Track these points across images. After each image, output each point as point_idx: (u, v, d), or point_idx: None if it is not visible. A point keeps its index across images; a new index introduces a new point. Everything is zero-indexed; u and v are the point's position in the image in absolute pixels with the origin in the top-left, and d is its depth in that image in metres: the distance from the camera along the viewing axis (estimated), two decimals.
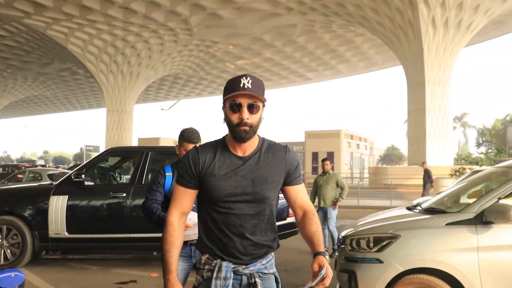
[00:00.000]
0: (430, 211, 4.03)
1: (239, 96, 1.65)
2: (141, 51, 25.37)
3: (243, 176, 1.75)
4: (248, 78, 1.66)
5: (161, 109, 41.12)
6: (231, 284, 1.79)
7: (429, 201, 4.58)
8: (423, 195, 11.42)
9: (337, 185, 7.10)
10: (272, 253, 1.89)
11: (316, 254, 1.75)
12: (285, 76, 32.16)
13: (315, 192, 7.31)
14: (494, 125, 47.77)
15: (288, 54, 26.95)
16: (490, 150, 35.73)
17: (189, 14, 22.10)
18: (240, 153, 1.76)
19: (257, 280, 1.81)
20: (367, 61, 28.38)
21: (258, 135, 1.80)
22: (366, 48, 25.82)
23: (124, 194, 5.42)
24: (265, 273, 1.86)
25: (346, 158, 24.02)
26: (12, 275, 1.71)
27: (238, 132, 1.68)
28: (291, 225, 6.08)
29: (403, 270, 3.54)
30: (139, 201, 5.46)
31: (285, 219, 6.23)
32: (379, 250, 3.67)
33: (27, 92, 35.72)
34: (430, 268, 3.54)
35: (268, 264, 1.86)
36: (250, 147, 1.77)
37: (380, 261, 3.62)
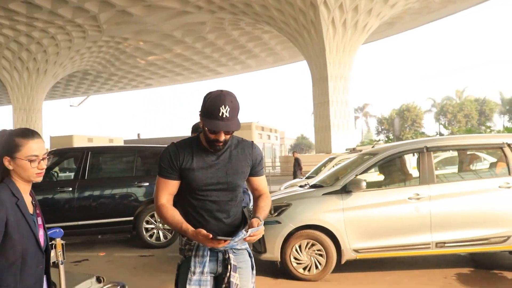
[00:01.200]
0: (314, 186, 5.62)
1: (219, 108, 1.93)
2: (47, 47, 24.93)
3: (218, 168, 2.09)
4: (227, 107, 1.93)
5: (70, 106, 40.02)
6: (207, 260, 2.07)
7: (314, 179, 6.22)
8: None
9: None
10: (243, 232, 2.04)
11: (255, 217, 2.11)
12: (196, 71, 33.20)
13: None
14: (391, 115, 53.14)
15: (198, 50, 28.03)
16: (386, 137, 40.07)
17: (98, 11, 22.27)
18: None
19: (231, 255, 2.09)
20: (275, 56, 30.37)
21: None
22: (274, 44, 27.72)
23: (71, 188, 6.46)
24: (238, 249, 2.15)
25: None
26: (57, 230, 2.73)
27: (214, 146, 2.04)
28: None
29: (294, 227, 5.09)
30: (85, 193, 6.53)
31: None
32: (278, 215, 5.18)
33: None
34: (312, 224, 5.11)
35: (239, 240, 2.04)
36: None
37: (279, 222, 5.13)
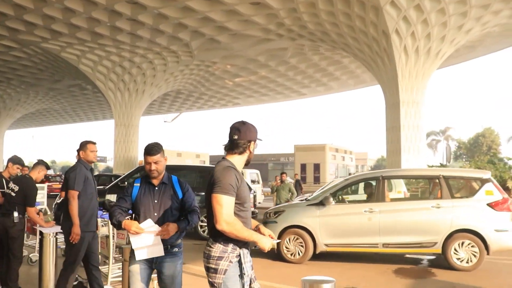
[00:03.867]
0: (305, 200, 8.55)
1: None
2: (146, 70, 29.94)
3: (246, 186, 3.02)
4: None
5: (164, 121, 45.91)
6: (251, 264, 3.00)
7: (312, 195, 9.15)
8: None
9: (289, 191, 11.74)
10: None
11: (257, 226, 3.17)
12: (280, 92, 36.69)
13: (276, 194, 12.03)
14: (469, 140, 52.57)
15: (282, 73, 31.43)
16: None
17: (190, 39, 26.63)
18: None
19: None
20: (356, 79, 32.79)
21: None
22: (354, 67, 30.23)
23: None
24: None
25: (331, 169, 28.52)
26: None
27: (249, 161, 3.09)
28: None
29: (286, 226, 8.05)
30: None
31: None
32: (276, 217, 8.20)
33: (37, 106, 40.62)
34: (297, 224, 8.04)
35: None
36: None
37: (276, 222, 8.14)
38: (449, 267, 7.48)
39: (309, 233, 7.96)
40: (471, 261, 7.36)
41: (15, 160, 6.66)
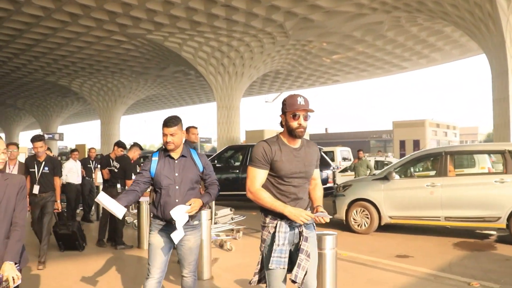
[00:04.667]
0: (371, 175, 9.22)
1: (298, 110, 3.02)
2: (243, 53, 31.46)
3: (298, 160, 3.11)
4: (302, 98, 3.04)
5: (265, 102, 47.54)
6: (288, 235, 3.08)
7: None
8: None
9: (367, 167, 12.40)
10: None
11: (317, 206, 3.24)
12: (380, 67, 36.18)
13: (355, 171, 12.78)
14: None
15: (379, 47, 31.09)
16: None
17: (283, 20, 27.50)
18: (293, 146, 3.13)
19: (304, 229, 3.13)
20: (461, 48, 31.28)
21: None
22: (457, 36, 28.96)
23: (237, 170, 11.53)
24: (307, 224, 3.17)
25: (432, 145, 27.73)
26: None
27: (296, 133, 3.06)
28: (328, 188, 11.57)
29: (353, 199, 8.84)
30: (244, 175, 11.47)
31: (325, 184, 11.83)
32: (344, 191, 9.02)
33: (147, 92, 44.44)
34: (364, 198, 8.78)
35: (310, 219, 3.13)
36: (298, 142, 3.16)
37: (344, 196, 8.96)
38: None
39: (374, 205, 8.68)
40: None
41: (120, 144, 8.50)
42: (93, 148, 12.85)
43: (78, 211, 11.96)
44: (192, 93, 48.72)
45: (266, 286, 3.18)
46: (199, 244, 3.93)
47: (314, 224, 3.28)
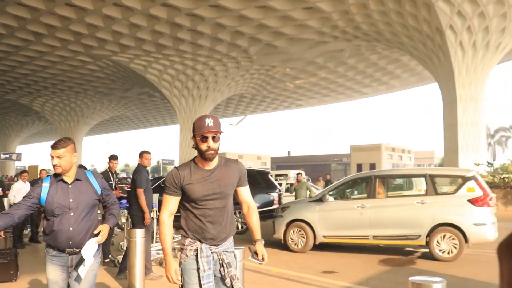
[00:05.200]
0: (309, 197, 10.00)
1: (206, 132, 2.97)
2: (208, 77, 32.31)
3: (212, 182, 3.07)
4: (210, 119, 3.00)
5: (230, 125, 48.45)
6: (211, 259, 3.07)
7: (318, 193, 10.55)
8: None
9: (307, 189, 13.18)
10: (231, 238, 3.23)
11: (256, 240, 3.19)
12: (342, 92, 37.66)
13: (295, 193, 13.50)
14: None
15: (341, 73, 32.47)
16: None
17: (248, 45, 28.51)
18: (207, 167, 3.09)
19: (223, 257, 3.09)
20: (418, 76, 32.99)
21: (218, 155, 3.11)
22: (414, 65, 30.57)
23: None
24: (228, 252, 3.17)
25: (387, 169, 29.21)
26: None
27: (206, 155, 3.01)
28: (273, 210, 12.17)
29: (290, 219, 9.57)
30: None
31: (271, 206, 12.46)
32: (282, 212, 9.75)
33: (111, 113, 44.74)
34: (300, 218, 9.52)
35: (230, 245, 3.19)
36: (214, 163, 3.11)
37: (282, 216, 9.69)
38: (433, 258, 8.59)
39: (310, 226, 9.43)
40: (452, 252, 8.44)
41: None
42: (43, 169, 13.34)
43: (26, 232, 12.30)
44: (157, 115, 49.26)
45: None
46: (96, 275, 3.74)
47: (235, 252, 3.32)
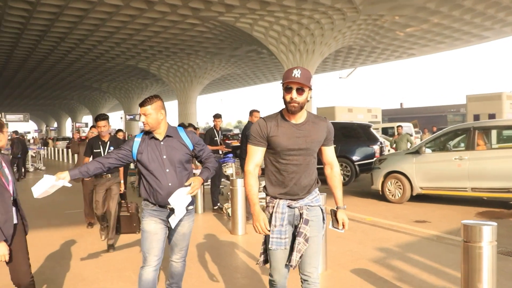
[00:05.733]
0: (404, 150, 10.20)
1: (291, 82, 2.86)
2: (314, 31, 32.28)
3: (298, 136, 2.99)
4: (298, 71, 2.87)
5: (340, 78, 47.98)
6: (286, 216, 3.03)
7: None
8: None
9: (407, 141, 13.30)
10: (317, 191, 3.15)
11: (338, 207, 3.18)
12: (458, 38, 35.36)
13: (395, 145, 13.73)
14: None
15: (457, 17, 30.54)
16: None
17: None
18: (294, 121, 3.02)
19: (304, 211, 3.04)
20: None
21: (306, 110, 3.02)
22: None
23: None
24: (311, 206, 3.10)
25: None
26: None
27: (290, 107, 2.93)
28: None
29: (388, 171, 9.92)
30: None
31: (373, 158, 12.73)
32: (379, 164, 10.12)
33: (222, 72, 46.61)
34: (397, 170, 9.83)
35: (314, 199, 3.11)
36: (302, 117, 3.03)
37: (379, 168, 10.08)
38: None
39: (407, 177, 9.69)
40: None
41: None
42: (120, 130, 14.36)
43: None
44: (266, 71, 50.28)
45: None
46: (191, 229, 3.87)
47: (322, 207, 3.22)
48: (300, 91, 2.91)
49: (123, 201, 7.69)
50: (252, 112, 8.87)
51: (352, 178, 13.59)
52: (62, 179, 3.38)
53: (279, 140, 2.98)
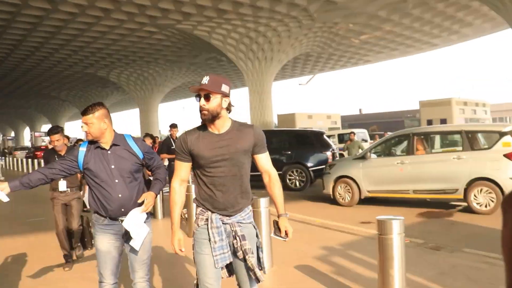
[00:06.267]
0: (354, 156, 10.95)
1: (196, 89, 2.81)
2: (271, 38, 33.04)
3: (221, 146, 2.86)
4: (207, 77, 2.81)
5: (299, 84, 49.22)
6: (223, 230, 2.91)
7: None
8: None
9: (359, 147, 14.13)
10: (250, 207, 3.04)
11: (279, 215, 3.03)
12: (410, 45, 36.93)
13: (347, 151, 14.54)
14: None
15: (407, 25, 31.92)
16: None
17: (307, 4, 28.82)
18: (216, 131, 2.91)
19: (237, 228, 2.92)
20: (492, 21, 31.63)
21: (230, 118, 2.95)
22: (486, 10, 29.44)
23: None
24: (243, 223, 2.98)
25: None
26: None
27: (201, 115, 2.83)
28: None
29: (337, 176, 10.63)
30: None
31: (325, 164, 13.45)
32: (329, 169, 10.83)
33: (182, 80, 46.93)
34: (346, 175, 10.55)
35: (246, 216, 3.00)
36: (224, 126, 2.91)
37: (329, 173, 10.78)
38: (472, 211, 9.32)
39: (355, 181, 10.44)
40: (489, 205, 9.10)
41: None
42: (80, 139, 15.07)
43: None
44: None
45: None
46: (151, 240, 3.66)
47: (254, 224, 3.12)
48: (207, 97, 2.82)
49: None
50: (170, 127, 9.76)
51: (307, 184, 14.30)
52: (1, 191, 3.18)
53: (201, 152, 2.89)
